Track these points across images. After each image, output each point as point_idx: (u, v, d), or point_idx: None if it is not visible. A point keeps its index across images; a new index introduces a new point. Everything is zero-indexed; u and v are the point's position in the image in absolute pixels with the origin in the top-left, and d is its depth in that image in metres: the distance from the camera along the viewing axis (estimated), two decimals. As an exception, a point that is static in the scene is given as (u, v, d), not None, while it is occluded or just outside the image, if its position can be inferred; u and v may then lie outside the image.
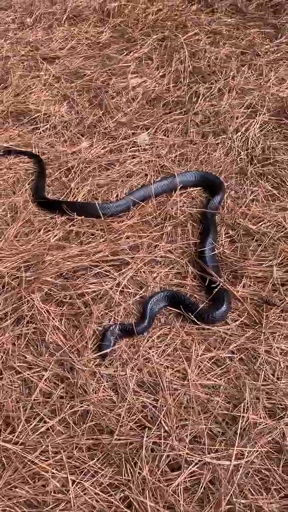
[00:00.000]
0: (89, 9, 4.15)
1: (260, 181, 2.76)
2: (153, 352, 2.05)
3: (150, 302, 2.16)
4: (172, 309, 2.20)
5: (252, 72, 3.43)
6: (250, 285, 2.28)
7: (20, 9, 4.23)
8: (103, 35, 3.90)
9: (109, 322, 2.15)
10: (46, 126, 3.16)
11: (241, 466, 1.71)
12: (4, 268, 2.28)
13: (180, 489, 1.67)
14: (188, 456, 1.73)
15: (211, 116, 3.12)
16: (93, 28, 3.98)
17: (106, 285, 2.25)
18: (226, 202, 2.68)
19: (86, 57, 3.71)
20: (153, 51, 3.68)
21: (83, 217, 2.56)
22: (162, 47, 3.70)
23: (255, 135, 2.99)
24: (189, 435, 1.78)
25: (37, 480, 1.73)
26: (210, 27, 3.82)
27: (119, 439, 1.78)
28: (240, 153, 2.92)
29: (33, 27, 4.02)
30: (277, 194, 2.69)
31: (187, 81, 3.37)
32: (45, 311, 2.14)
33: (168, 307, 2.21)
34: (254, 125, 3.03)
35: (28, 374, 1.99)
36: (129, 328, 2.07)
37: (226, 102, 3.19)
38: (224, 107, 3.15)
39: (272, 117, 3.09)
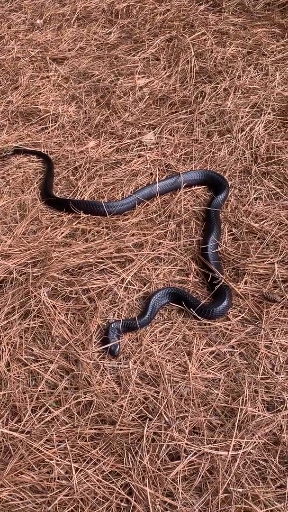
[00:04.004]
0: (98, 10, 4.21)
1: (264, 179, 2.80)
2: (155, 346, 2.11)
3: (153, 298, 2.22)
4: (175, 305, 2.26)
5: (258, 72, 3.47)
6: (251, 282, 2.33)
7: (30, 10, 4.30)
8: (111, 35, 3.95)
9: (113, 317, 2.22)
10: (54, 126, 3.24)
11: (238, 457, 1.77)
12: (12, 264, 2.36)
13: (179, 478, 1.74)
14: (187, 446, 1.79)
15: (217, 115, 3.17)
16: (102, 29, 4.04)
17: (111, 281, 2.31)
18: (230, 200, 2.73)
19: (94, 57, 3.77)
20: (160, 51, 3.73)
21: (89, 215, 2.63)
22: (169, 47, 3.74)
23: (259, 134, 3.03)
24: (189, 426, 1.85)
25: (42, 467, 1.81)
26: (217, 27, 3.86)
27: (121, 429, 1.85)
28: (245, 152, 2.96)
29: (43, 29, 4.09)
30: (281, 193, 2.73)
31: (193, 81, 3.42)
32: (52, 306, 2.22)
33: (170, 303, 2.27)
34: (259, 124, 3.07)
35: (34, 366, 2.07)
36: (131, 323, 2.14)
37: (231, 101, 3.23)
38: (229, 107, 3.19)
39: (277, 116, 3.12)
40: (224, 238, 2.54)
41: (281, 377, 1.99)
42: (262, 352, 2.06)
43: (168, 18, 4.04)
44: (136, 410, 1.91)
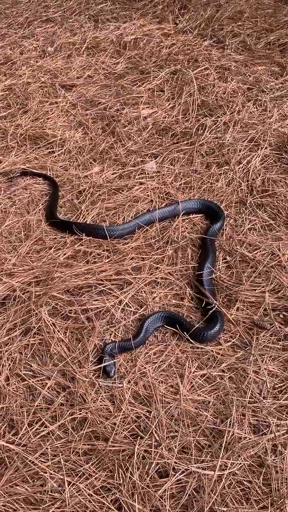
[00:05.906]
0: (107, 41, 4.41)
1: (258, 211, 2.94)
2: (149, 367, 2.21)
3: (147, 320, 2.33)
4: (169, 327, 2.36)
5: (256, 108, 3.65)
6: (243, 308, 2.44)
7: (42, 38, 4.50)
8: (118, 66, 4.15)
9: (110, 337, 2.32)
10: (61, 151, 3.38)
11: (224, 477, 1.85)
12: (16, 282, 2.47)
13: (167, 495, 1.81)
14: (176, 464, 1.88)
15: (216, 148, 3.33)
16: (110, 59, 4.23)
17: (109, 302, 2.42)
18: (225, 229, 2.86)
19: (101, 86, 3.95)
20: (165, 83, 3.91)
21: (91, 237, 2.75)
22: (174, 79, 3.93)
23: (256, 167, 3.18)
24: (178, 445, 1.93)
25: (36, 480, 1.88)
26: (220, 63, 4.05)
27: (113, 446, 1.93)
28: (241, 184, 3.11)
29: (54, 56, 4.28)
30: (274, 224, 2.87)
31: (195, 114, 3.59)
32: (51, 324, 2.32)
33: (164, 326, 2.37)
34: (256, 158, 3.22)
35: (32, 382, 2.16)
36: (126, 344, 2.24)
37: (230, 135, 3.39)
38: (228, 140, 3.35)
39: (273, 151, 3.28)
40: (219, 265, 2.66)
41: (268, 402, 2.09)
42: (250, 377, 2.16)
43: (173, 52, 4.24)
44: (128, 428, 2.00)
